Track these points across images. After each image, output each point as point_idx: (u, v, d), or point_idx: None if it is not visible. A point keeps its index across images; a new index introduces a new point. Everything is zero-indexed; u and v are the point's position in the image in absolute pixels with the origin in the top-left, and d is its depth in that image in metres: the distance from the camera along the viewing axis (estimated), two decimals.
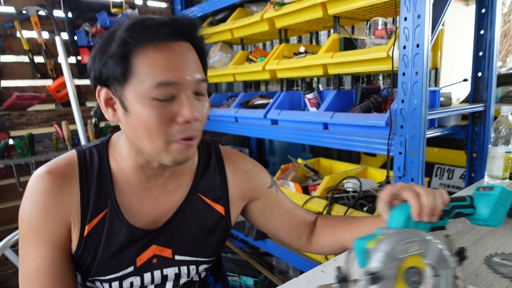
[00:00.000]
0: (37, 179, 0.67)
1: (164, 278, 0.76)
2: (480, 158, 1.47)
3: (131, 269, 0.72)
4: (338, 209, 1.45)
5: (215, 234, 0.80)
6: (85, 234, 0.69)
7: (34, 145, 1.89)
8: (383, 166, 2.22)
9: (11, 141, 1.87)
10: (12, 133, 1.93)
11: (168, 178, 0.75)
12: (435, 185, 2.60)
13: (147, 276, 0.74)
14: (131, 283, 0.74)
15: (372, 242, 0.51)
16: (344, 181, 1.58)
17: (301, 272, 0.79)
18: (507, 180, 1.22)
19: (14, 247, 1.04)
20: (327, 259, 1.44)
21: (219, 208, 0.80)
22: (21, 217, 0.68)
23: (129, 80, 0.61)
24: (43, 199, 0.66)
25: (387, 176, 1.41)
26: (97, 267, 0.71)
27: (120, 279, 0.73)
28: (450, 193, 1.20)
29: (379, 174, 1.73)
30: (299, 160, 1.83)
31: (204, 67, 0.69)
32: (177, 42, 0.63)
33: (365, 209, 1.42)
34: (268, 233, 0.90)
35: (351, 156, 3.10)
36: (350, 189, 1.54)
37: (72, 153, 0.73)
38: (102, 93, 0.66)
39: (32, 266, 0.67)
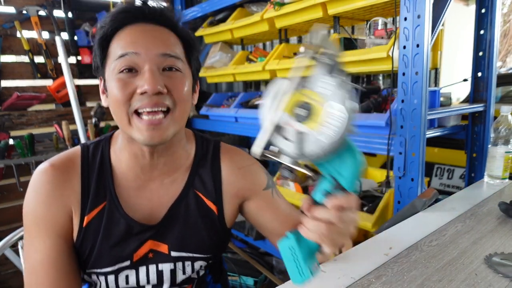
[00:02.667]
0: (40, 173, 0.70)
1: (160, 275, 0.75)
2: (480, 158, 1.47)
3: (127, 263, 0.73)
4: None
5: (209, 231, 0.79)
6: (84, 224, 0.71)
7: (34, 145, 1.89)
8: (383, 166, 2.22)
9: (11, 141, 1.87)
10: (12, 133, 1.93)
11: (162, 171, 0.75)
12: (435, 185, 2.60)
13: (142, 270, 0.74)
14: (126, 277, 0.74)
15: None
16: None
17: None
18: (507, 180, 1.22)
19: (14, 247, 1.04)
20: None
21: (212, 206, 0.79)
22: (25, 211, 0.70)
23: (106, 62, 0.67)
24: (45, 191, 0.68)
25: (387, 176, 1.41)
26: (95, 258, 0.72)
27: (116, 272, 0.73)
28: (449, 193, 1.21)
29: (379, 174, 1.73)
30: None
31: (188, 50, 0.71)
32: (146, 24, 0.66)
33: (365, 209, 1.42)
34: (264, 235, 0.88)
35: None
36: None
37: (76, 148, 0.76)
38: (101, 83, 0.71)
39: (37, 258, 0.68)
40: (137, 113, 0.64)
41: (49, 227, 0.68)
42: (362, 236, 1.64)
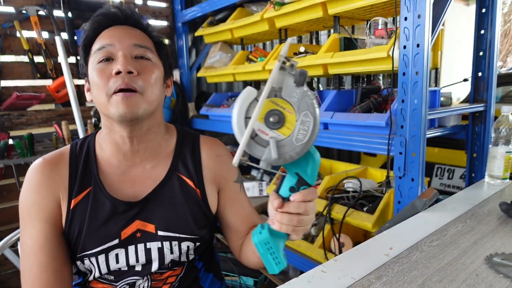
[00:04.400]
0: (33, 166, 0.78)
1: (148, 253, 0.79)
2: (481, 158, 1.47)
3: (116, 241, 0.77)
4: (338, 209, 1.45)
5: (194, 213, 0.83)
6: (71, 207, 0.77)
7: (34, 145, 1.89)
8: (383, 166, 2.22)
9: (10, 141, 1.87)
10: (12, 133, 1.93)
11: (144, 157, 0.81)
12: (435, 185, 2.60)
13: (131, 249, 0.78)
14: (116, 256, 0.78)
15: None
16: (344, 181, 1.58)
17: (301, 272, 0.79)
18: (508, 180, 1.22)
19: (14, 247, 1.04)
20: (327, 259, 1.44)
21: (196, 189, 0.84)
22: (20, 201, 0.77)
23: (88, 60, 0.77)
24: (35, 180, 0.76)
25: (387, 176, 1.41)
26: (84, 240, 0.76)
27: (106, 252, 0.77)
28: (450, 193, 1.21)
29: (379, 174, 1.73)
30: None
31: (158, 49, 0.82)
32: (122, 26, 0.78)
33: (365, 209, 1.42)
34: (221, 228, 0.92)
35: (351, 156, 3.09)
36: (350, 189, 1.54)
37: (67, 145, 0.85)
38: (86, 83, 0.81)
39: (29, 243, 0.75)
40: (115, 93, 0.73)
41: (38, 213, 0.75)
42: (362, 236, 1.65)
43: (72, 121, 1.99)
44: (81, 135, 1.99)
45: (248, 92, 0.51)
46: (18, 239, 1.03)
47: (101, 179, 0.79)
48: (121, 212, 0.78)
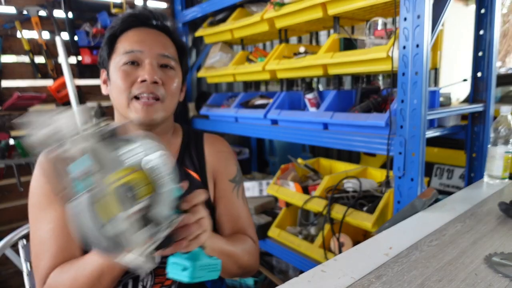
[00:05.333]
0: (44, 155, 0.79)
1: None
2: (480, 158, 1.48)
3: None
4: (338, 209, 1.46)
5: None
6: None
7: None
8: (383, 166, 2.22)
9: (11, 141, 1.88)
10: (13, 133, 1.93)
11: None
12: (435, 185, 2.60)
13: None
14: None
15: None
16: (344, 181, 1.58)
17: (301, 272, 0.79)
18: (507, 180, 1.22)
19: (14, 247, 1.04)
20: (327, 259, 1.44)
21: (200, 181, 0.88)
22: (33, 190, 0.77)
23: (112, 56, 0.81)
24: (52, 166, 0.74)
25: (387, 176, 1.42)
26: None
27: None
28: (449, 193, 1.21)
29: (379, 174, 1.73)
30: (299, 160, 1.83)
31: (180, 55, 0.85)
32: (150, 28, 0.81)
33: (365, 209, 1.42)
34: None
35: (351, 156, 3.10)
36: (350, 189, 1.55)
37: None
38: (103, 74, 0.84)
39: (48, 228, 0.74)
40: (136, 98, 0.77)
41: (59, 197, 0.75)
42: (362, 236, 1.65)
43: None
44: None
45: (82, 201, 0.41)
46: (18, 239, 1.03)
47: None
48: None
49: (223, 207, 0.90)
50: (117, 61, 0.78)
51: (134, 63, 0.77)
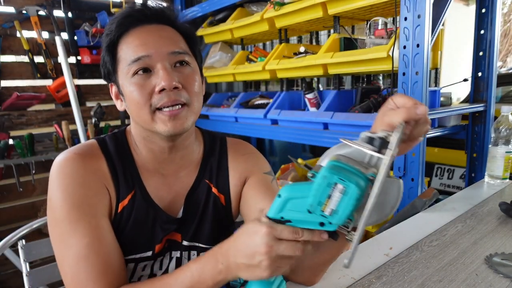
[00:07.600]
0: (66, 161, 0.69)
1: (170, 263, 0.78)
2: (480, 158, 1.47)
3: (149, 253, 0.75)
4: None
5: (217, 222, 0.81)
6: (119, 210, 0.72)
7: (34, 145, 1.89)
8: None
9: (11, 141, 1.87)
10: (12, 133, 1.93)
11: (179, 164, 0.78)
12: (435, 185, 2.60)
13: (158, 260, 0.77)
14: (144, 266, 0.76)
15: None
16: None
17: None
18: (507, 180, 1.22)
19: (14, 247, 1.04)
20: None
21: (220, 196, 0.82)
22: (58, 201, 0.67)
23: (117, 67, 0.71)
24: (80, 174, 0.68)
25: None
26: (123, 244, 0.71)
27: (136, 261, 0.74)
28: (450, 193, 1.21)
29: None
30: (299, 160, 1.82)
31: (190, 44, 0.75)
32: (150, 25, 0.71)
33: None
34: (243, 217, 0.86)
35: None
36: None
37: (91, 140, 0.77)
38: (113, 88, 0.75)
39: (84, 243, 0.64)
40: (159, 109, 0.68)
41: (92, 208, 0.67)
42: (362, 236, 1.64)
43: (72, 121, 1.99)
44: (81, 135, 1.99)
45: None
46: (18, 239, 1.03)
47: (143, 183, 0.75)
48: (161, 223, 0.75)
49: (260, 196, 0.79)
50: (125, 72, 0.69)
51: (146, 71, 0.68)
